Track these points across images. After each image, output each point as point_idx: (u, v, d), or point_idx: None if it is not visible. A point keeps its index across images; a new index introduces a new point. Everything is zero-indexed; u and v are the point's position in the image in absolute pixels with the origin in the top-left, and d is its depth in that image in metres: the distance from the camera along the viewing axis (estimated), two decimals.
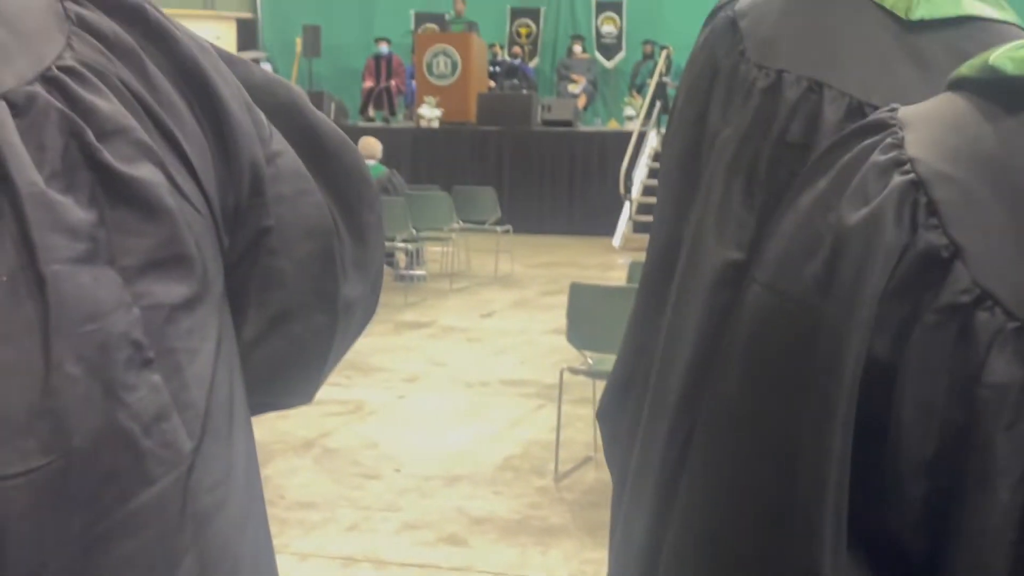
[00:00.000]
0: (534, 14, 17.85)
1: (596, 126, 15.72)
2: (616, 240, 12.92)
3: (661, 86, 14.26)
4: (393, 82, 16.31)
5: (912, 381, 0.62)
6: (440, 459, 5.26)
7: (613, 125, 15.43)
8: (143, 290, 0.65)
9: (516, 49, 17.18)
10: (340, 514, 4.57)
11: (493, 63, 16.49)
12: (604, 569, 1.29)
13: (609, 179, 13.44)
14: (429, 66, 15.23)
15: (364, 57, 16.66)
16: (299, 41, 17.20)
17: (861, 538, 0.64)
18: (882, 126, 0.69)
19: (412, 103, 15.82)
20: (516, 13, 17.84)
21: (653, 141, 13.31)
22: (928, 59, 1.12)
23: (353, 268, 0.86)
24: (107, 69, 0.68)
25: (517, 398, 6.39)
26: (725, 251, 1.14)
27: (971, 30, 1.15)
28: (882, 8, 1.19)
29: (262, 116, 0.80)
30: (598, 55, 17.30)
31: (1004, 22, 1.18)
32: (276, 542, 0.83)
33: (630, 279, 6.06)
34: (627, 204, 13.13)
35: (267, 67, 16.15)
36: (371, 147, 10.11)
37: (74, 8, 0.70)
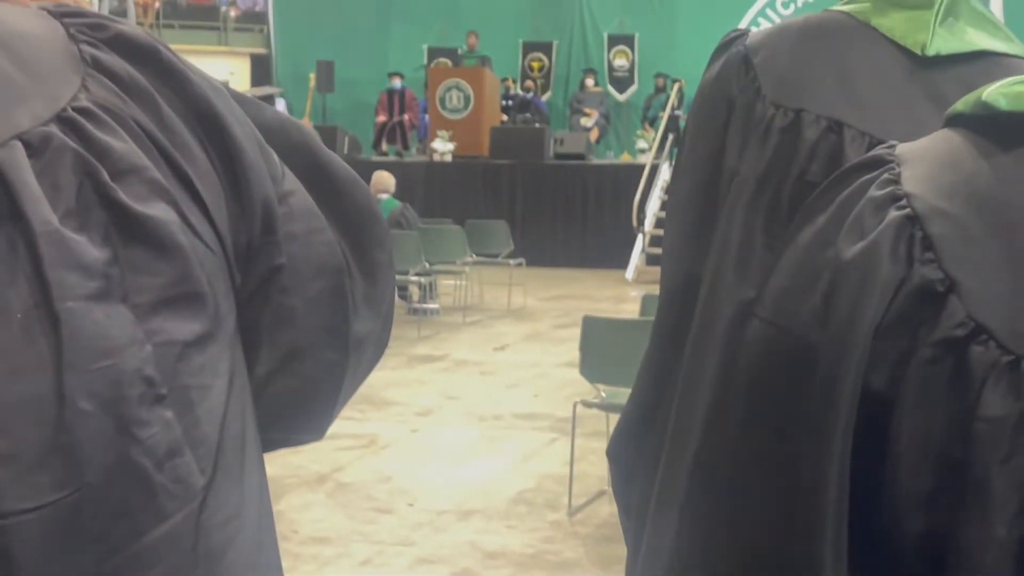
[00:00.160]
0: (547, 48, 17.93)
1: (609, 159, 15.75)
2: (629, 273, 12.92)
3: (673, 119, 14.29)
4: (406, 116, 16.38)
5: (908, 415, 0.63)
6: (453, 493, 5.25)
7: (626, 158, 15.45)
8: (156, 327, 0.66)
9: (529, 83, 17.26)
10: (354, 549, 4.55)
11: (506, 97, 16.56)
12: None
13: (622, 212, 13.45)
14: (442, 100, 15.30)
15: (377, 92, 16.75)
16: (313, 76, 17.29)
17: (860, 571, 0.64)
18: (879, 162, 0.70)
19: (425, 137, 15.88)
20: (529, 47, 17.92)
21: (666, 174, 13.31)
22: (944, 95, 1.13)
23: (364, 305, 0.87)
24: (121, 110, 0.69)
25: (530, 431, 6.38)
26: (745, 290, 1.14)
27: (984, 65, 1.15)
28: (896, 44, 1.19)
29: (275, 156, 0.81)
30: (610, 88, 17.35)
31: (1015, 56, 1.19)
32: None
33: (643, 312, 6.06)
34: (640, 237, 13.13)
35: (281, 102, 16.30)
36: (384, 181, 10.14)
37: (89, 50, 0.71)
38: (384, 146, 16.19)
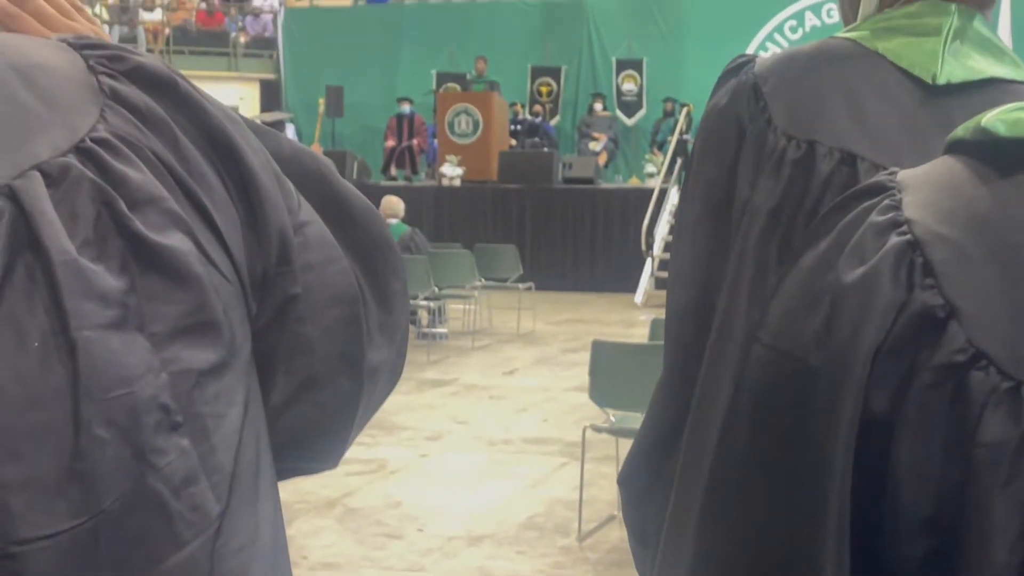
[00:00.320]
0: (555, 73, 17.98)
1: (617, 183, 15.77)
2: (638, 297, 12.91)
3: (682, 143, 14.31)
4: (415, 141, 16.43)
5: (909, 438, 0.63)
6: (463, 518, 5.24)
7: (634, 182, 15.47)
8: (171, 356, 0.67)
9: (537, 107, 17.30)
10: (363, 574, 4.55)
11: (514, 121, 16.60)
12: None
13: (631, 236, 13.46)
14: (451, 125, 15.35)
15: (386, 117, 16.80)
16: (322, 101, 17.39)
17: None
18: (881, 188, 0.71)
19: (434, 161, 15.92)
20: (537, 72, 17.97)
21: (674, 198, 13.32)
22: (956, 124, 1.13)
23: (379, 334, 0.87)
24: (139, 140, 0.70)
25: (540, 456, 6.37)
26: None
27: (994, 92, 1.15)
28: (906, 72, 1.19)
29: (291, 186, 0.81)
30: (619, 113, 17.39)
31: (1023, 83, 1.19)
32: None
33: (652, 336, 6.05)
34: (649, 261, 13.13)
35: (291, 128, 16.36)
36: (393, 206, 10.17)
37: (108, 82, 0.72)
38: (393, 171, 16.22)
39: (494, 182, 14.69)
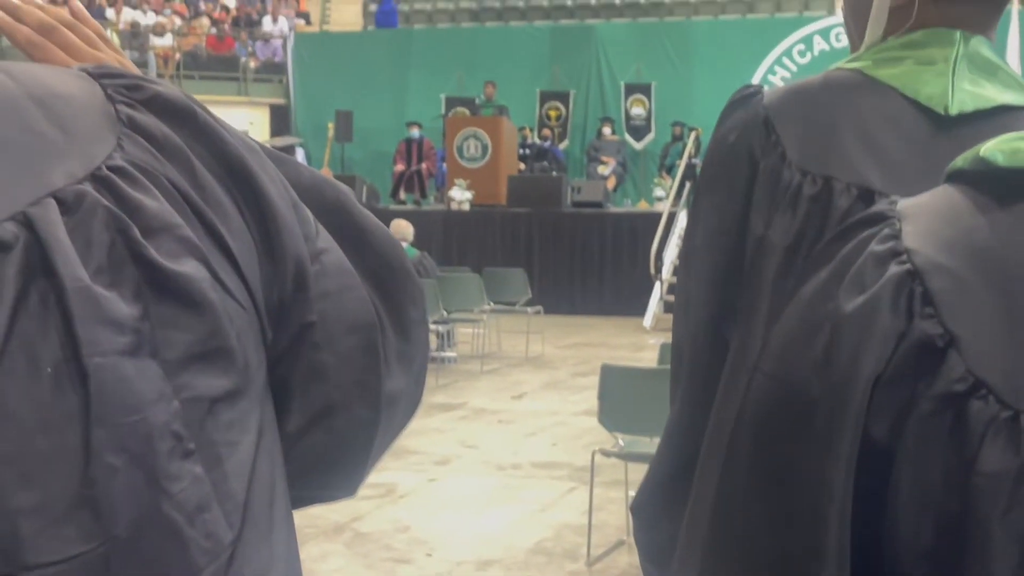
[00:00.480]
0: (564, 97, 18.02)
1: (626, 207, 15.78)
2: (647, 320, 12.90)
3: (691, 167, 14.33)
4: (424, 165, 16.47)
5: (908, 467, 0.63)
6: (472, 543, 5.23)
7: (643, 206, 15.48)
8: (184, 383, 0.67)
9: (546, 132, 17.34)
10: None
11: (523, 146, 16.64)
12: None
13: (639, 260, 13.46)
14: (460, 149, 15.38)
15: (396, 141, 16.84)
16: (331, 126, 17.44)
17: None
18: (881, 218, 0.71)
19: (443, 186, 15.95)
20: (546, 96, 18.01)
21: (683, 221, 13.32)
22: None
23: (397, 362, 0.87)
24: (156, 169, 0.71)
25: (549, 481, 6.36)
26: None
27: (1005, 120, 1.14)
28: (918, 104, 1.18)
29: (309, 214, 0.82)
30: (628, 137, 17.41)
31: None
32: None
33: (661, 360, 6.04)
34: (658, 284, 13.13)
35: (301, 152, 16.40)
36: (402, 230, 10.20)
37: (126, 110, 0.72)
38: (402, 195, 16.26)
39: (503, 206, 14.71)
